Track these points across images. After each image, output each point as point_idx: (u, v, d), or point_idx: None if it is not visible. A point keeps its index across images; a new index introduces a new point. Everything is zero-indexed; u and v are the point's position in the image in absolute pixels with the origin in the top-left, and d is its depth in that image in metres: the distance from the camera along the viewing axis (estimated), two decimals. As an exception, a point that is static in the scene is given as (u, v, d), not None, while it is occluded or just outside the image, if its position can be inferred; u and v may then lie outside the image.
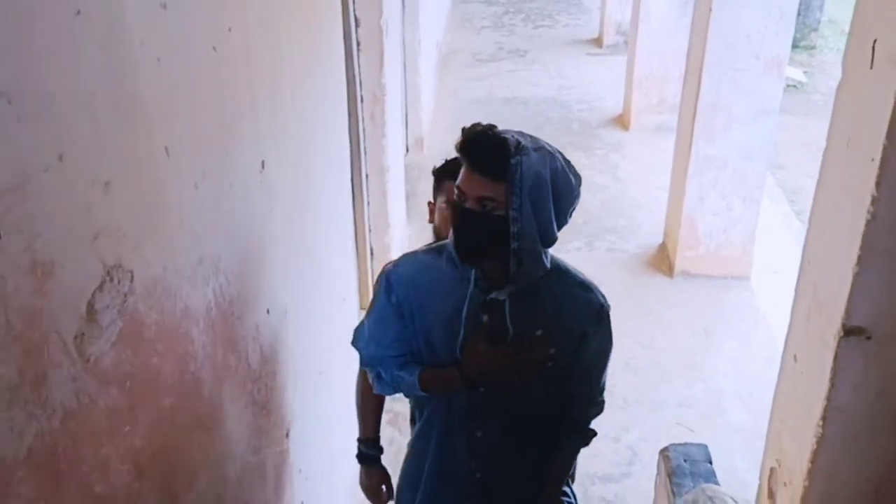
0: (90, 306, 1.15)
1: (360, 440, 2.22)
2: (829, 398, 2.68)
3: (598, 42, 9.11)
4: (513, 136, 1.58)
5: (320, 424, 2.68)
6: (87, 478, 1.16)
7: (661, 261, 5.20)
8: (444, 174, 2.10)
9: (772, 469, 3.19)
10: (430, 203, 2.18)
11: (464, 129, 1.62)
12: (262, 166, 1.97)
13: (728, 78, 4.51)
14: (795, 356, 3.01)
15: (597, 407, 1.97)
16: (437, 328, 1.79)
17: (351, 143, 3.71)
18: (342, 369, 2.50)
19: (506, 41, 9.40)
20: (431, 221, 2.18)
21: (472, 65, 8.68)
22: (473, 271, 1.72)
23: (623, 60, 7.40)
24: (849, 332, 2.57)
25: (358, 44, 3.97)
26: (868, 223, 2.39)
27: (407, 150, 6.32)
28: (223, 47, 1.67)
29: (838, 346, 2.59)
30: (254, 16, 1.91)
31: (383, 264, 1.87)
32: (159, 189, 1.38)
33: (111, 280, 1.20)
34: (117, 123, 1.23)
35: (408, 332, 1.81)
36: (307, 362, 2.47)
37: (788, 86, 6.77)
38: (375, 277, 1.90)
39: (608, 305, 1.82)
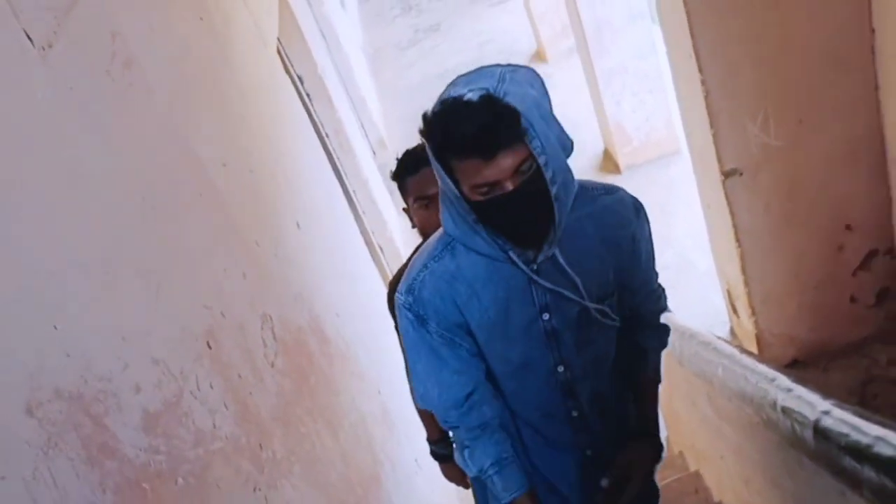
0: (262, 339, 2.13)
1: (428, 440, 2.29)
2: (734, 224, 3.69)
3: (495, -9, 9.99)
4: (481, 88, 1.32)
5: (398, 382, 3.68)
6: (298, 425, 2.15)
7: (609, 163, 6.17)
8: (402, 174, 2.01)
9: (728, 291, 4.20)
10: (404, 209, 2.08)
11: (448, 118, 1.32)
12: (298, 226, 2.94)
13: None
14: (708, 204, 4.00)
15: (662, 299, 1.80)
16: (496, 330, 1.56)
17: (335, 173, 4.66)
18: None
19: (418, 22, 10.28)
20: (415, 226, 2.06)
21: (398, 55, 9.58)
22: (509, 251, 1.48)
23: (520, 1, 8.26)
24: (727, 174, 3.57)
25: (308, 95, 4.90)
26: (705, 96, 3.36)
27: (374, 153, 7.25)
28: (257, 167, 2.63)
29: (724, 186, 3.58)
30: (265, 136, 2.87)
31: (395, 294, 1.62)
32: (263, 268, 2.36)
33: (265, 322, 2.18)
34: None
35: (464, 358, 1.60)
36: (373, 339, 3.47)
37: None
38: (389, 300, 1.87)
39: (634, 197, 1.64)
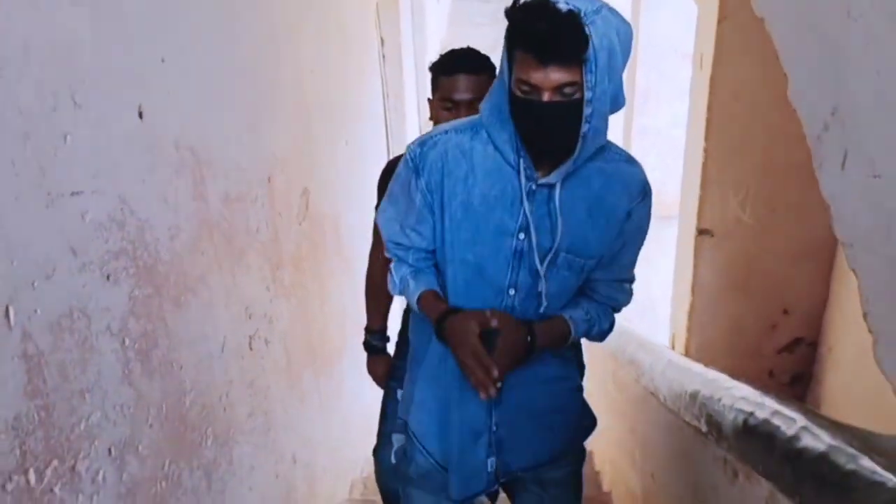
0: (299, 203, 2.76)
1: (367, 329, 2.27)
2: (693, 276, 4.28)
3: (577, 32, 10.57)
4: (574, 6, 1.34)
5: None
6: (301, 275, 2.77)
7: (618, 208, 6.78)
8: (438, 71, 1.99)
9: (673, 335, 4.80)
10: (429, 100, 2.06)
11: (529, 10, 1.35)
12: (346, 143, 3.58)
13: (655, 68, 6.06)
14: (679, 255, 4.61)
15: (624, 294, 1.77)
16: (470, 220, 1.54)
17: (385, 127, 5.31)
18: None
19: (502, 36, 10.87)
20: (432, 119, 2.04)
21: (471, 57, 10.20)
22: (521, 158, 1.51)
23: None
24: (701, 231, 4.18)
25: (383, 56, 5.55)
26: (703, 161, 3.98)
27: (420, 130, 7.88)
28: (332, 88, 3.26)
29: (695, 241, 4.19)
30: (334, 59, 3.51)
31: (407, 145, 1.60)
32: (315, 155, 2.99)
33: (304, 193, 2.82)
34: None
35: (428, 227, 1.60)
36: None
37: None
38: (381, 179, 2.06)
39: (648, 182, 1.66)
